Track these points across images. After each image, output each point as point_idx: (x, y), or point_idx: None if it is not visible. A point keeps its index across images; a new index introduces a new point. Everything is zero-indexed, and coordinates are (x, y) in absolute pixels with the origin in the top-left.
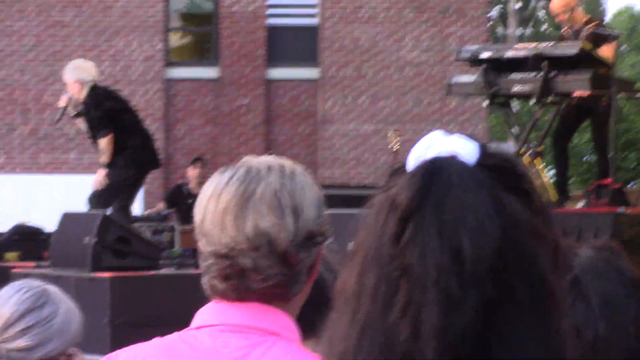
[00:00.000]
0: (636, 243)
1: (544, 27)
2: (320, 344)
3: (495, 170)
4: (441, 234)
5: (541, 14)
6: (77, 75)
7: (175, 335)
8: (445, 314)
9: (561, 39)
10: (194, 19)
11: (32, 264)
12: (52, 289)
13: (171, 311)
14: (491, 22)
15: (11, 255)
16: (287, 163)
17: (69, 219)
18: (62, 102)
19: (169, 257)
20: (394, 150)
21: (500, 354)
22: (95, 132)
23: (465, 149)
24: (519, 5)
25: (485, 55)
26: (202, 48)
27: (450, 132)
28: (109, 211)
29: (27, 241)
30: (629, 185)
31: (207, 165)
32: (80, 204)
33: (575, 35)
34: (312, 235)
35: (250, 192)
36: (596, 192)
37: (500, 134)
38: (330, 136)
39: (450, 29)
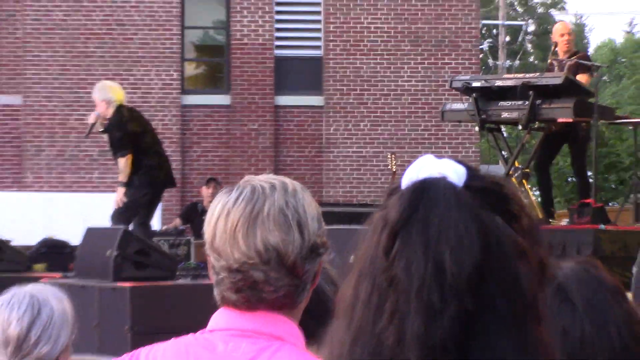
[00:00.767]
0: (616, 257)
1: (531, 58)
2: (322, 350)
3: (482, 192)
4: (425, 248)
5: (528, 47)
6: (105, 95)
7: (190, 336)
8: (426, 323)
9: (547, 69)
10: (207, 50)
11: (59, 274)
12: (35, 290)
13: (187, 318)
14: (482, 54)
15: (39, 266)
16: (287, 181)
17: (92, 234)
18: (91, 119)
19: (185, 268)
20: (393, 171)
21: None
22: (115, 150)
23: (454, 172)
24: (507, 39)
25: (476, 84)
26: (215, 77)
27: (443, 155)
28: (130, 227)
29: (53, 254)
30: (609, 205)
31: (221, 184)
32: (102, 220)
33: (560, 66)
34: (315, 247)
35: (257, 210)
36: (579, 210)
37: (491, 157)
38: (333, 158)
39: (444, 60)
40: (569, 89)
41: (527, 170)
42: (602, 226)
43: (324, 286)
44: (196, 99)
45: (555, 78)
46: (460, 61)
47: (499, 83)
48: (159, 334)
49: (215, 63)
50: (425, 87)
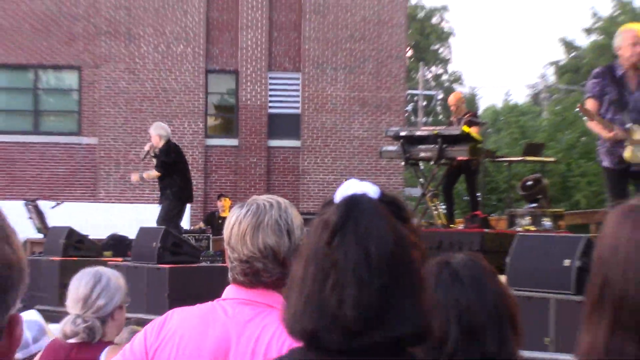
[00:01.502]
0: (495, 252)
1: (440, 117)
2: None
3: (388, 203)
4: (357, 241)
5: (438, 109)
6: (158, 131)
7: (209, 303)
8: (359, 291)
9: (450, 124)
10: (222, 108)
11: (120, 259)
12: (101, 267)
13: (207, 290)
14: (407, 113)
15: (107, 253)
16: (281, 200)
17: (143, 231)
18: (146, 148)
19: (206, 256)
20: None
21: (392, 318)
22: (156, 167)
23: (371, 190)
24: (425, 103)
25: (403, 133)
26: (228, 127)
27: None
28: (169, 227)
29: (117, 245)
30: (491, 215)
31: (229, 199)
32: (150, 222)
33: (459, 121)
34: (298, 247)
35: (260, 221)
36: (470, 219)
37: (412, 182)
38: (307, 182)
39: (382, 117)
40: (465, 137)
41: (437, 192)
42: (486, 230)
43: None
44: (215, 141)
45: (456, 130)
46: (392, 118)
47: (418, 133)
48: (187, 300)
49: (228, 117)
50: (369, 135)
